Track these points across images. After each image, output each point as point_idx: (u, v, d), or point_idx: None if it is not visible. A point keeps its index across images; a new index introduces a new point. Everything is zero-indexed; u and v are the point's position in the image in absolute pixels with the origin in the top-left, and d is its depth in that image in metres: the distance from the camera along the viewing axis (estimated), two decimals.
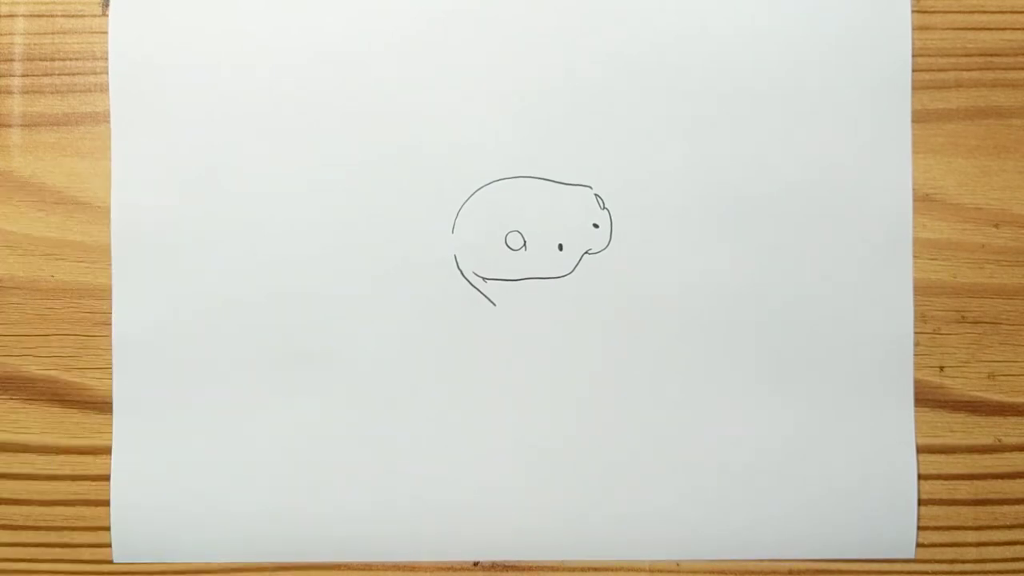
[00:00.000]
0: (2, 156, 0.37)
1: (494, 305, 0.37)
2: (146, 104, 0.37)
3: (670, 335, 0.37)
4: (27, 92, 0.37)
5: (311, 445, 0.37)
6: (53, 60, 0.37)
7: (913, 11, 0.37)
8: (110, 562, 0.37)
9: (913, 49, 0.37)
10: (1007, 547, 0.37)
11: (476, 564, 0.37)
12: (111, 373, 0.37)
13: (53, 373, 0.37)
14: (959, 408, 0.37)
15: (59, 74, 0.37)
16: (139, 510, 0.37)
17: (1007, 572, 0.37)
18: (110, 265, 0.37)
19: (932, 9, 0.37)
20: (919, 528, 0.37)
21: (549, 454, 0.37)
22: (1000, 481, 0.37)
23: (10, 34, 0.37)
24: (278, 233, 0.37)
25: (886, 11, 0.37)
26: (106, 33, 0.37)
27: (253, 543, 0.37)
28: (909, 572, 0.37)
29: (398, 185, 0.37)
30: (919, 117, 0.37)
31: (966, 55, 0.37)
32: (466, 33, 0.37)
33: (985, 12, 0.37)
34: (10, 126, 0.37)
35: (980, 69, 0.37)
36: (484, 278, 0.37)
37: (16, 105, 0.37)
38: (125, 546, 0.37)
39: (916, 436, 0.37)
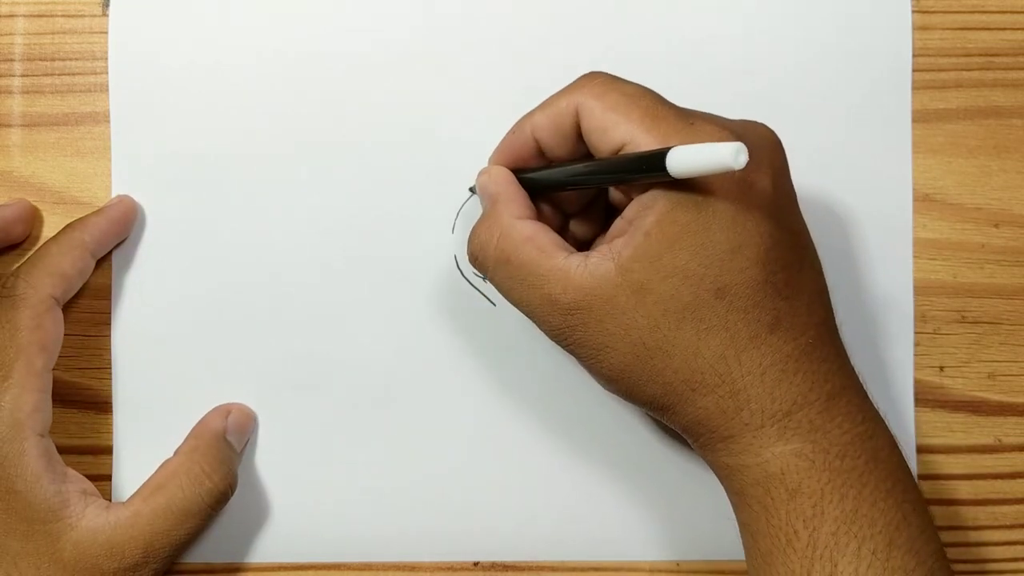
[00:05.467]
0: (2, 156, 0.37)
1: (494, 305, 0.37)
2: (146, 104, 0.37)
3: None
4: (27, 92, 0.37)
5: (311, 445, 0.37)
6: (53, 60, 0.37)
7: (913, 11, 0.37)
8: None
9: (913, 49, 0.37)
10: (1007, 547, 0.37)
11: (476, 564, 0.37)
12: (111, 373, 0.37)
13: (53, 373, 0.37)
14: (959, 408, 0.37)
15: (59, 74, 0.37)
16: None
17: (1007, 572, 0.37)
18: (110, 265, 0.37)
19: (932, 9, 0.37)
20: None
21: (549, 454, 0.37)
22: (1000, 481, 0.37)
23: (10, 34, 0.37)
24: (278, 233, 0.37)
25: (886, 11, 0.37)
26: (106, 33, 0.37)
27: (252, 543, 0.37)
28: None
29: (398, 185, 0.37)
30: (919, 117, 0.37)
31: (966, 55, 0.37)
32: (467, 33, 0.37)
33: (985, 12, 0.37)
34: (10, 126, 0.37)
35: (980, 69, 0.37)
36: (484, 278, 0.37)
37: (16, 105, 0.37)
38: None
39: (916, 436, 0.37)
